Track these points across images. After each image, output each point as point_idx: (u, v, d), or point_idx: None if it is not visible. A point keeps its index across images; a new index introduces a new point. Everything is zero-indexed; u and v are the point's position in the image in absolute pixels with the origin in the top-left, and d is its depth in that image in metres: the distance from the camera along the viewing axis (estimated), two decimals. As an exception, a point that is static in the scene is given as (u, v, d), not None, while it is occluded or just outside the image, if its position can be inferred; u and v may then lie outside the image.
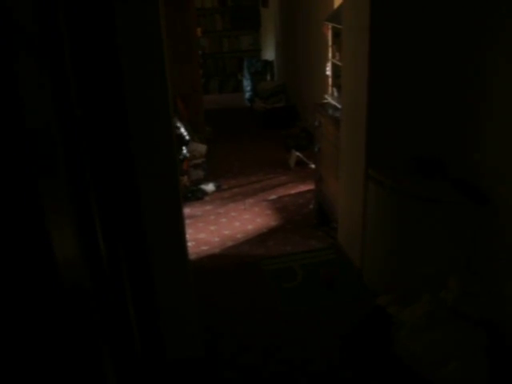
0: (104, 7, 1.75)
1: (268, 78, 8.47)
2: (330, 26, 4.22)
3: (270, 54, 8.73)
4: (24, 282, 0.95)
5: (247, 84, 8.33)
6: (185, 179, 5.06)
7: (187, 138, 5.15)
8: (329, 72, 4.34)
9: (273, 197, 4.99)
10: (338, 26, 3.81)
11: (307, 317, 3.12)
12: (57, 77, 1.18)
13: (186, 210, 4.65)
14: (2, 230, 0.90)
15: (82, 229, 1.30)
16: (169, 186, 2.47)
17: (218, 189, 5.22)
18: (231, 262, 3.83)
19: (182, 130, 5.11)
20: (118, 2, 1.98)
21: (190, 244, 3.98)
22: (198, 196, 5.03)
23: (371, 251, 3.26)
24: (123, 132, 1.94)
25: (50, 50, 1.15)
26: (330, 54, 4.29)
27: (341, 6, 3.87)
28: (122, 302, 1.77)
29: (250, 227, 4.39)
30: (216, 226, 4.46)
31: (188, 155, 5.06)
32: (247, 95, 8.29)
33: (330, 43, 4.26)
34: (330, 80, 4.33)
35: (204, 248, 4.07)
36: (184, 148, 4.99)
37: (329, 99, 4.18)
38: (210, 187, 5.16)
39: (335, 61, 4.16)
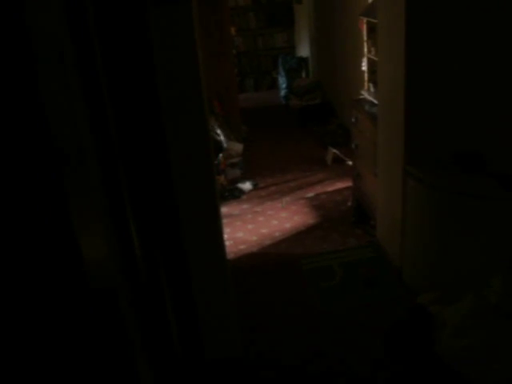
0: (138, 10, 1.77)
1: (303, 74, 8.42)
2: (364, 21, 4.16)
3: (304, 50, 8.68)
4: (49, 281, 0.95)
5: (282, 81, 8.30)
6: (222, 178, 5.08)
7: (225, 145, 5.18)
8: (364, 67, 4.29)
9: (310, 194, 4.96)
10: (373, 21, 3.75)
11: (346, 316, 3.08)
12: (88, 77, 1.19)
13: (224, 209, 4.66)
14: (25, 229, 0.90)
15: (115, 228, 1.31)
16: (206, 186, 2.47)
17: (255, 187, 5.22)
18: (269, 261, 3.82)
19: (222, 137, 5.14)
20: (151, 4, 2.00)
21: (227, 243, 3.99)
22: (235, 195, 5.04)
23: (411, 249, 3.20)
24: (158, 132, 1.96)
25: (81, 51, 1.17)
26: (365, 49, 4.23)
27: (376, -1, 3.81)
28: (159, 303, 1.79)
29: (287, 225, 4.37)
30: (253, 224, 4.46)
31: (222, 160, 5.11)
32: (282, 93, 8.26)
33: (365, 38, 4.21)
34: (365, 75, 4.28)
35: (242, 247, 4.08)
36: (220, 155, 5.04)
37: (365, 95, 4.13)
38: (246, 186, 5.17)
39: (371, 56, 4.10)
